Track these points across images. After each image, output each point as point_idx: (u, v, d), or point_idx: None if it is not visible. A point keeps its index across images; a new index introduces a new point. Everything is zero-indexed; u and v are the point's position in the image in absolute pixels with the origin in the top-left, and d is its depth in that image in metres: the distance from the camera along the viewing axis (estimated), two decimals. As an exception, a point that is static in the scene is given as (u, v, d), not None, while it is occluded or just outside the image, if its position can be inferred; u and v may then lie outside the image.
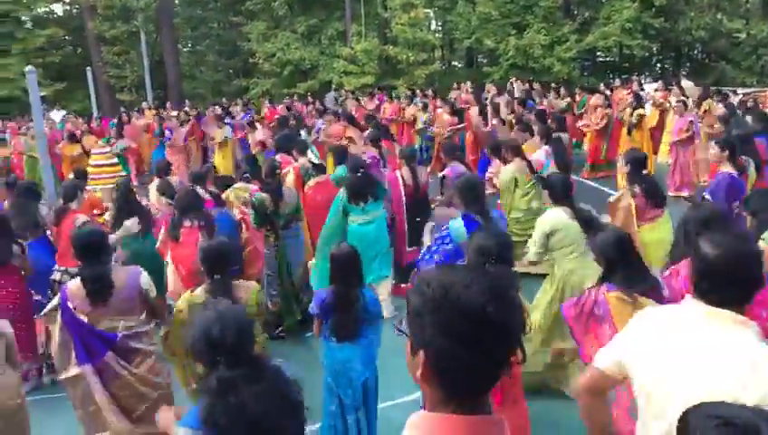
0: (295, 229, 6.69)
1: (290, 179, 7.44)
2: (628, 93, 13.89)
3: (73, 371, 3.95)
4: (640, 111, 11.80)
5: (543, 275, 5.15)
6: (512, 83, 20.26)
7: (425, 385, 1.38)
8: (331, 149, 9.55)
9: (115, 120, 17.20)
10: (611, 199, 5.74)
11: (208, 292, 3.92)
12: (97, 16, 29.11)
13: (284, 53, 28.58)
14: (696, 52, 31.43)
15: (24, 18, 30.69)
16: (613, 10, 26.29)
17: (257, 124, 13.61)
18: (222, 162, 12.83)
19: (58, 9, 35.97)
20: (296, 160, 8.05)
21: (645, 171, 5.73)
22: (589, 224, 4.60)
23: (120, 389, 3.96)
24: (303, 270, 6.81)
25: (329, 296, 3.99)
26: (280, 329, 6.38)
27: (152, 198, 7.57)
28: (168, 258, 5.60)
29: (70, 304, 3.91)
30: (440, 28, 32.93)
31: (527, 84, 19.45)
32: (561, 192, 4.79)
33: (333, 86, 26.79)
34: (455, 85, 21.00)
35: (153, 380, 4.07)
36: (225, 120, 14.44)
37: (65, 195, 6.30)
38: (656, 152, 12.36)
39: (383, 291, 6.44)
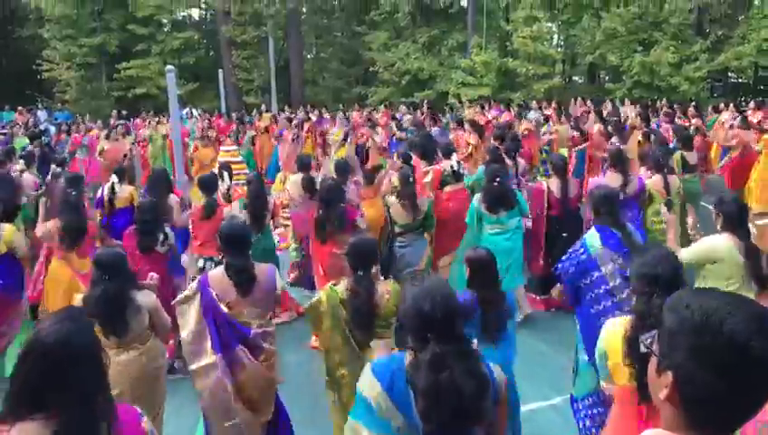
0: (412, 241, 6.52)
1: (428, 180, 7.49)
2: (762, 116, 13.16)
3: (206, 359, 3.94)
4: (766, 137, 11.02)
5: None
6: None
7: (667, 407, 1.36)
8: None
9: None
10: (760, 222, 5.35)
11: (351, 287, 3.88)
12: (230, 21, 30.68)
13: (404, 63, 29.08)
14: (840, 76, 29.31)
15: (164, 21, 32.70)
16: (750, 29, 24.97)
17: (378, 128, 13.92)
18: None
19: (195, 14, 38.22)
20: (437, 163, 8.03)
21: None
22: (756, 260, 4.24)
23: (245, 380, 4.00)
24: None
25: (472, 298, 3.95)
26: None
27: (292, 192, 7.82)
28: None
29: (212, 291, 3.96)
30: (562, 42, 32.42)
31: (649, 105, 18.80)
32: (737, 220, 4.35)
33: (450, 97, 26.96)
34: (572, 101, 20.63)
35: (269, 375, 4.13)
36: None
37: (206, 188, 6.60)
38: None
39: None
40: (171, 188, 7.30)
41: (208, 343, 3.92)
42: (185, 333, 3.99)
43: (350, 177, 7.70)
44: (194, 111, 23.17)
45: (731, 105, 16.39)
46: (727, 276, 4.26)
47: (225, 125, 17.70)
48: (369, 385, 2.37)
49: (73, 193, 6.09)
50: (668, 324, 1.35)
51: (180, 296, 4.10)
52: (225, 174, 7.78)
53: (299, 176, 7.76)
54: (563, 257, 4.70)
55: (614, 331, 2.91)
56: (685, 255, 4.46)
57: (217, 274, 4.04)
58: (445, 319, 2.26)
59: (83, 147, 13.73)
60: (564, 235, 6.81)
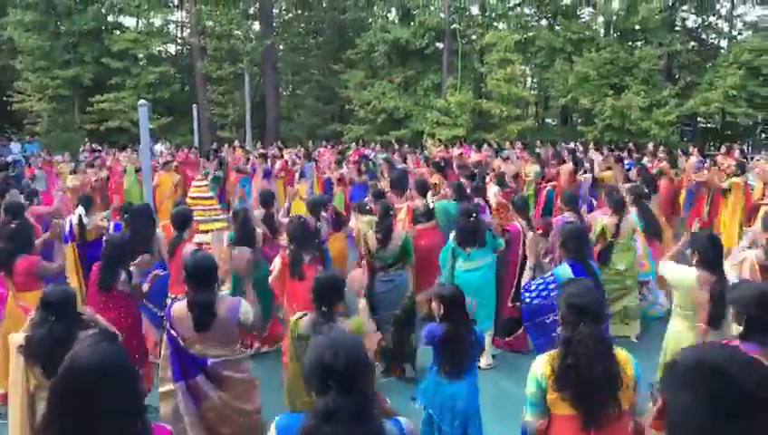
0: (394, 276, 6.34)
1: (401, 216, 7.57)
2: (731, 161, 13.45)
3: (168, 386, 4.08)
4: (734, 179, 11.44)
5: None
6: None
7: None
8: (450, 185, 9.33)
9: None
10: (735, 262, 5.37)
11: (314, 322, 4.02)
12: (206, 57, 30.71)
13: (380, 102, 29.27)
14: (804, 123, 30.11)
15: (140, 55, 32.64)
16: (717, 76, 25.66)
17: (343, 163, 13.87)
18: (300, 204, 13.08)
19: (171, 48, 38.26)
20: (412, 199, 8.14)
21: None
22: (718, 301, 4.26)
23: (207, 410, 4.04)
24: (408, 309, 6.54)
25: (441, 333, 4.12)
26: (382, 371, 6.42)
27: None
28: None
29: (171, 325, 4.07)
30: (536, 85, 32.94)
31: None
32: (712, 257, 4.42)
33: (425, 136, 27.13)
34: (539, 143, 20.93)
35: (239, 406, 4.13)
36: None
37: (178, 223, 6.25)
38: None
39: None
40: (155, 222, 7.10)
41: (169, 371, 4.09)
42: (161, 356, 4.27)
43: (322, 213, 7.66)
44: (158, 146, 22.86)
45: (695, 149, 16.78)
46: (682, 306, 4.53)
47: (194, 159, 17.54)
48: None
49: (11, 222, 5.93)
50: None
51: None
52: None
53: (261, 212, 7.76)
54: (531, 288, 4.84)
55: (545, 362, 3.04)
56: (667, 271, 4.66)
57: (180, 307, 4.05)
58: (346, 371, 2.20)
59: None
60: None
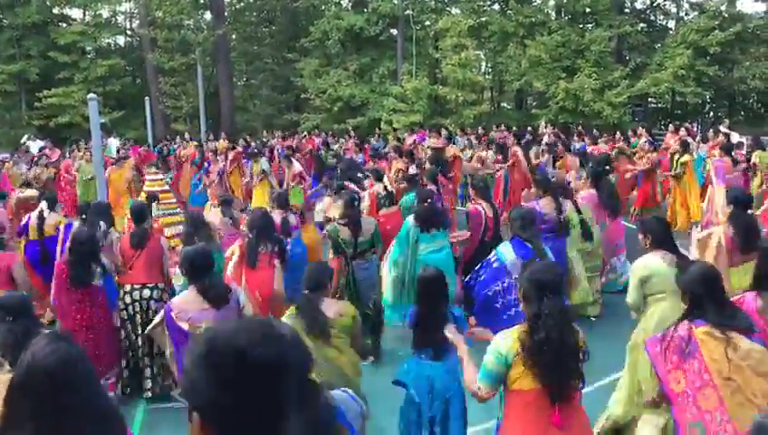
0: (369, 262, 6.68)
1: (365, 205, 7.70)
2: (676, 140, 13.78)
3: None
4: (684, 157, 11.74)
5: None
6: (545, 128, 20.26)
7: None
8: (405, 178, 9.58)
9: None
10: (700, 236, 5.47)
11: (299, 308, 4.22)
12: (157, 48, 30.15)
13: (335, 90, 29.14)
14: (750, 101, 30.96)
15: (88, 48, 31.88)
16: (666, 56, 26.16)
17: (292, 158, 13.76)
18: (260, 195, 12.99)
19: (120, 40, 37.44)
20: (369, 187, 8.29)
21: (749, 211, 5.53)
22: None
23: None
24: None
25: (418, 317, 4.27)
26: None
27: (212, 220, 7.72)
28: (242, 284, 5.66)
29: (174, 315, 4.32)
30: (490, 70, 33.16)
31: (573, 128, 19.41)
32: (661, 236, 4.56)
33: (382, 123, 27.13)
34: (499, 126, 21.12)
35: None
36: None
37: (138, 216, 6.28)
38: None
39: None
40: (113, 220, 7.04)
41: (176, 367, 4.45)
42: (167, 353, 4.54)
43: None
44: (111, 140, 22.34)
45: (643, 130, 17.19)
46: (659, 290, 4.42)
47: (145, 154, 17.25)
48: None
49: None
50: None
51: (149, 328, 4.70)
52: (154, 205, 7.64)
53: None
54: (476, 269, 4.99)
55: (511, 338, 3.07)
56: (629, 299, 4.60)
57: (183, 299, 4.45)
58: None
59: None
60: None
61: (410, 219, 6.72)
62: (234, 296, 4.50)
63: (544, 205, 7.10)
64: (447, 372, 4.22)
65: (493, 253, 5.02)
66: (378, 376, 5.42)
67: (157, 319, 4.51)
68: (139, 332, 5.53)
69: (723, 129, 16.11)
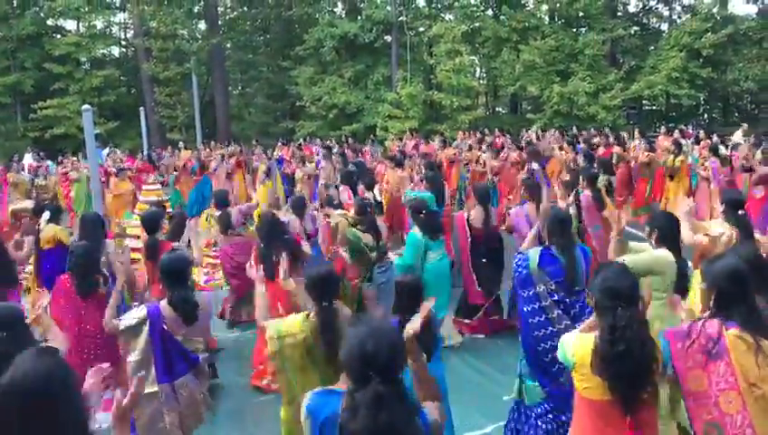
0: (388, 265, 6.69)
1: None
2: (671, 142, 13.90)
3: (148, 388, 3.91)
4: (680, 158, 11.95)
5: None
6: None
7: None
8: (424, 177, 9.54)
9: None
10: (707, 237, 5.40)
11: (318, 319, 3.85)
12: (151, 59, 30.16)
13: (331, 97, 29.19)
14: (744, 102, 31.08)
15: (82, 59, 31.87)
16: (659, 59, 26.28)
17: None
18: (263, 197, 13.05)
19: (115, 51, 37.45)
20: (359, 194, 8.30)
21: (741, 212, 5.53)
22: (684, 274, 4.30)
23: (187, 407, 4.12)
24: None
25: (398, 323, 4.03)
26: None
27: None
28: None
29: (164, 321, 4.08)
30: (484, 75, 33.26)
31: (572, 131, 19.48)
32: (670, 234, 4.45)
33: (377, 130, 27.18)
34: (496, 131, 21.19)
35: (208, 401, 4.32)
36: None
37: (150, 226, 6.28)
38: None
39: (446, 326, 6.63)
40: (106, 232, 7.00)
41: (152, 372, 3.99)
42: (131, 358, 4.07)
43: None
44: (105, 151, 22.32)
45: (636, 132, 17.30)
46: (661, 289, 4.31)
47: (140, 165, 17.28)
48: (302, 420, 2.53)
49: None
50: None
51: (124, 325, 4.10)
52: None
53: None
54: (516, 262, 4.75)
55: (581, 345, 3.00)
56: (629, 262, 4.43)
57: (164, 306, 4.11)
58: (386, 361, 2.25)
59: None
60: (484, 261, 7.07)
61: (416, 230, 6.61)
62: (206, 308, 4.34)
63: (531, 210, 7.09)
64: (433, 375, 4.19)
65: (523, 255, 4.72)
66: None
67: (134, 320, 4.09)
68: None
69: (738, 134, 16.33)
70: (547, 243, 4.74)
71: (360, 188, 8.52)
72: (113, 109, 32.24)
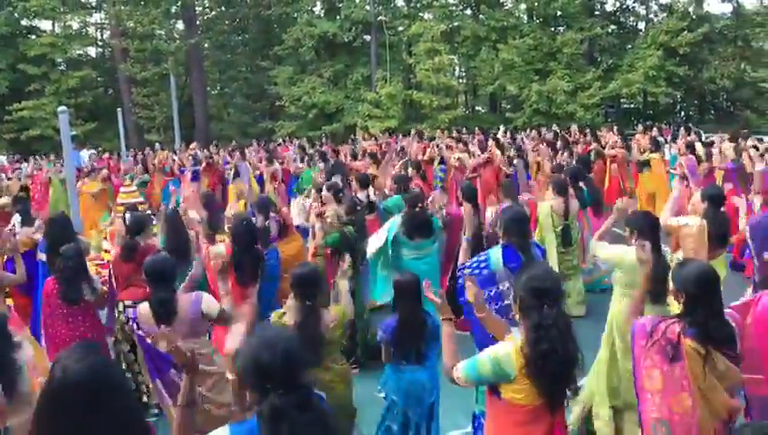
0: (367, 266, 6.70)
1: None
2: (647, 140, 14.06)
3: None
4: (652, 155, 12.08)
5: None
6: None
7: None
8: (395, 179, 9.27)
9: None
10: (675, 223, 5.33)
11: (300, 319, 3.92)
12: (129, 59, 29.88)
13: (310, 97, 29.10)
14: (720, 100, 31.44)
15: (58, 60, 31.49)
16: (637, 58, 26.51)
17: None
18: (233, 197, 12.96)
19: (91, 51, 37.04)
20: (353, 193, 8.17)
21: (722, 209, 5.57)
22: (662, 262, 4.39)
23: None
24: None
25: (396, 323, 4.19)
26: (352, 360, 6.40)
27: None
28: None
29: (139, 326, 4.22)
30: (464, 74, 33.34)
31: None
32: (648, 230, 4.46)
33: (357, 129, 27.11)
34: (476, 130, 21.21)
35: (213, 397, 4.19)
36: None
37: (134, 228, 6.10)
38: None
39: None
40: (73, 232, 6.87)
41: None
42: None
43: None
44: (83, 152, 22.08)
45: (610, 131, 17.44)
46: (629, 285, 4.42)
47: (114, 165, 17.10)
48: None
49: None
50: None
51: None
52: (127, 216, 7.47)
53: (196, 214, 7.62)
54: (467, 264, 4.73)
55: (516, 352, 2.92)
56: (601, 251, 4.69)
57: (144, 308, 4.20)
58: (283, 371, 2.17)
59: None
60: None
61: (395, 224, 6.60)
62: (192, 308, 4.24)
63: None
64: (432, 377, 4.24)
65: (484, 254, 4.75)
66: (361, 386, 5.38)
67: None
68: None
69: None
70: (502, 242, 4.73)
71: (355, 186, 8.39)
72: (90, 110, 31.90)
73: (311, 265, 4.35)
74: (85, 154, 21.68)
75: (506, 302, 4.38)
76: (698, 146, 12.58)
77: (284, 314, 4.08)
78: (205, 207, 7.71)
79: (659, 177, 12.08)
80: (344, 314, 4.18)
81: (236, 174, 13.25)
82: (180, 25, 32.51)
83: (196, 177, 13.33)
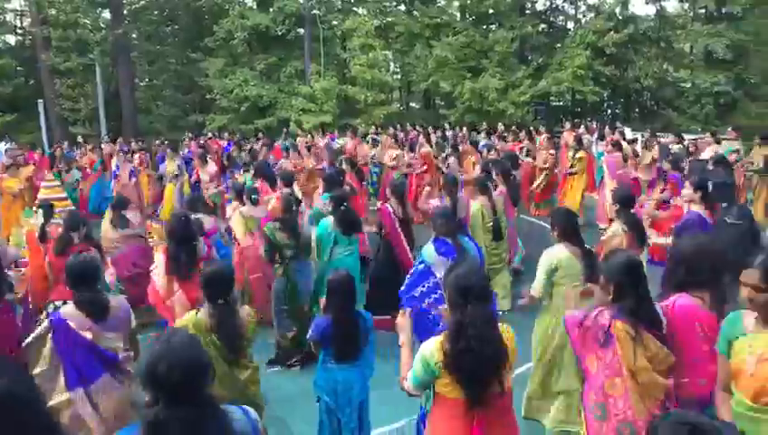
0: (306, 264, 6.64)
1: (273, 207, 7.52)
2: (573, 138, 14.41)
3: (59, 398, 3.89)
4: (580, 154, 12.40)
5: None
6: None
7: None
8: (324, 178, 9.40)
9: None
10: (604, 237, 5.67)
11: (213, 316, 3.87)
12: (51, 48, 28.67)
13: (242, 90, 28.58)
14: (644, 99, 32.55)
15: (-26, 48, 30.04)
16: (566, 57, 27.15)
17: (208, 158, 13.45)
18: (170, 195, 12.68)
19: (10, 39, 35.41)
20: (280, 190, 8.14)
21: (632, 210, 5.77)
22: (591, 259, 4.64)
23: (111, 409, 3.95)
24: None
25: (328, 323, 4.14)
26: (295, 359, 6.43)
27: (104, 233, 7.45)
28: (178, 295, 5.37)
29: (71, 324, 3.90)
30: (398, 70, 33.43)
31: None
32: (568, 228, 4.78)
33: (291, 123, 26.84)
34: (408, 126, 21.32)
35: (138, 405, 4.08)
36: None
37: (71, 224, 6.12)
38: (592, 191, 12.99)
39: None
40: None
41: (61, 380, 3.89)
42: (35, 371, 3.93)
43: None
44: (1, 145, 21.09)
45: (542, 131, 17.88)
46: (569, 281, 4.69)
47: (39, 159, 16.45)
48: None
49: None
50: None
51: (29, 338, 4.03)
52: (40, 212, 7.26)
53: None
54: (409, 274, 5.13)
55: (437, 346, 3.02)
56: (537, 285, 4.80)
57: (70, 308, 3.98)
58: (182, 380, 2.12)
59: None
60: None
61: (329, 222, 6.59)
62: (123, 309, 4.13)
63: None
64: (363, 377, 4.26)
65: (418, 257, 5.14)
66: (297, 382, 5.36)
67: (40, 331, 4.01)
68: None
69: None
70: (433, 237, 5.16)
71: (280, 183, 8.34)
72: (9, 101, 30.50)
73: (219, 264, 4.34)
74: (2, 147, 20.69)
75: (442, 291, 4.55)
76: (624, 145, 13.03)
77: (198, 312, 4.01)
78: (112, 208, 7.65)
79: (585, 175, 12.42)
80: (254, 314, 4.14)
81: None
82: (107, 14, 31.36)
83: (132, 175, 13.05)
